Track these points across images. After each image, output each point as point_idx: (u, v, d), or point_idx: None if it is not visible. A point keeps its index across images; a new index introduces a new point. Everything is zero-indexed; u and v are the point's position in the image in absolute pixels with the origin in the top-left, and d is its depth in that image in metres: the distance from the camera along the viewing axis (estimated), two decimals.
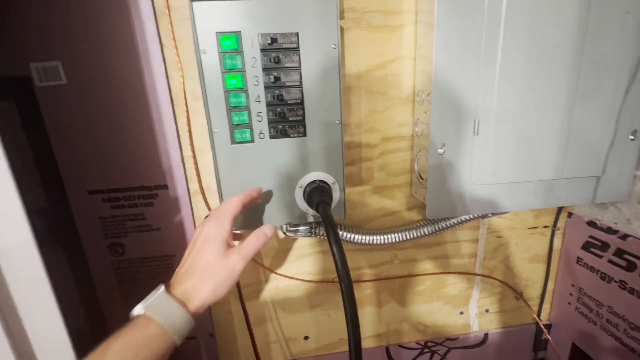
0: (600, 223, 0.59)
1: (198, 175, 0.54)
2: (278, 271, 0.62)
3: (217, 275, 0.36)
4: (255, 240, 0.39)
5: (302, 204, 0.49)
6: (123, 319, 0.60)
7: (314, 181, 0.48)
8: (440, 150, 0.49)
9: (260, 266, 0.61)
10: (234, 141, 0.46)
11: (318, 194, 0.46)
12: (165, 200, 0.55)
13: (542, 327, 0.72)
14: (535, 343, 0.75)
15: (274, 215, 0.50)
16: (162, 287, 0.36)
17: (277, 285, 0.63)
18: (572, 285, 0.67)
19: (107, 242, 0.57)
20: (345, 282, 0.37)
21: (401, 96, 0.55)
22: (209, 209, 0.56)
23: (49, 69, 0.48)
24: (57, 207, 0.54)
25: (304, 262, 0.62)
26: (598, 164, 0.52)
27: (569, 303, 0.68)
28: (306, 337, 0.68)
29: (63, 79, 0.48)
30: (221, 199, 0.49)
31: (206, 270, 0.36)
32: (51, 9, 0.45)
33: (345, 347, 0.68)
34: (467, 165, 0.50)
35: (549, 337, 0.72)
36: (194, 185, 0.55)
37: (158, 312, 0.33)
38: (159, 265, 0.59)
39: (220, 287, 0.36)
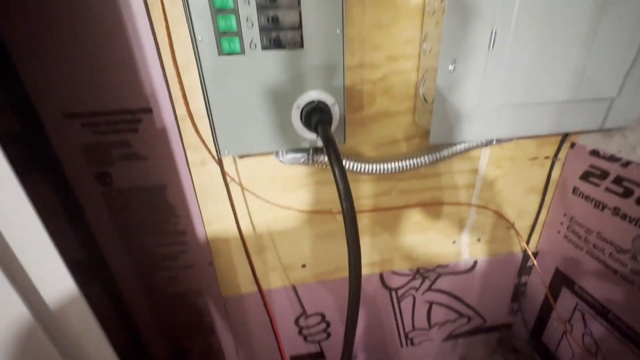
0: (603, 151, 0.58)
1: (184, 96, 0.49)
2: (275, 201, 0.61)
3: None
4: None
5: (299, 126, 0.46)
6: (118, 249, 0.59)
7: (313, 101, 0.44)
8: (450, 67, 0.44)
9: (257, 197, 0.60)
10: (221, 52, 0.41)
11: (317, 113, 0.42)
12: (150, 125, 0.51)
13: (530, 254, 0.75)
14: (521, 269, 0.79)
15: (268, 138, 0.47)
16: None
17: (275, 216, 0.63)
18: (564, 215, 0.68)
19: (94, 172, 0.54)
20: (346, 202, 0.36)
21: (409, 6, 0.49)
22: (200, 135, 0.53)
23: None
24: (32, 133, 0.50)
25: (301, 192, 0.61)
26: (615, 84, 0.49)
27: (558, 232, 0.70)
28: (303, 265, 0.69)
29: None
30: (212, 124, 0.46)
31: None
32: None
33: (341, 274, 0.71)
34: (478, 84, 0.46)
35: (534, 262, 0.76)
36: (180, 110, 0.51)
37: None
38: (151, 196, 0.57)
39: None
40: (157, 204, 0.58)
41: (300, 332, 0.79)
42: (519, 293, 0.83)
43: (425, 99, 0.51)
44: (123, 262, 0.63)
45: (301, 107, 0.45)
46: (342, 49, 0.43)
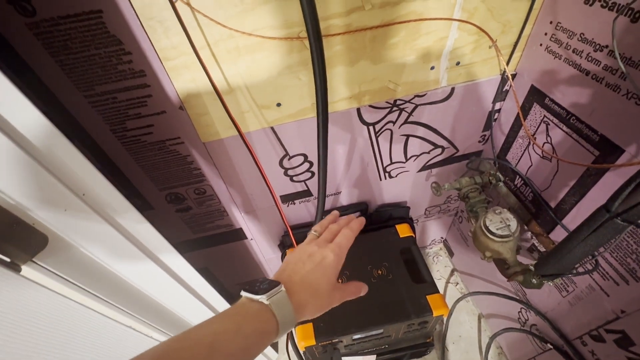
0: None
1: None
2: (234, 27, 0.54)
3: (323, 301, 0.37)
4: (354, 291, 0.42)
5: None
6: (77, 97, 0.54)
7: None
8: None
9: (213, 21, 0.53)
10: None
11: None
12: None
13: (509, 74, 0.74)
14: (497, 94, 0.79)
15: None
16: (282, 287, 0.34)
17: (237, 45, 0.57)
18: (550, 23, 0.64)
19: None
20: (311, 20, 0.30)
21: None
22: None
23: None
24: None
25: (263, 12, 0.54)
26: None
27: (540, 44, 0.67)
28: (278, 104, 0.68)
29: None
30: None
31: (318, 293, 0.37)
32: None
33: None
34: None
35: (512, 83, 0.75)
36: None
37: (280, 312, 0.33)
38: (87, 25, 0.49)
39: (317, 312, 0.37)
40: (99, 37, 0.51)
41: (285, 174, 0.84)
42: (491, 120, 0.86)
43: None
44: (89, 114, 0.60)
45: None
46: None
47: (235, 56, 0.58)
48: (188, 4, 0.50)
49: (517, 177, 0.83)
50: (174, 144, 0.69)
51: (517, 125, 0.79)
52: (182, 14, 0.50)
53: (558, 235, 0.73)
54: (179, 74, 0.58)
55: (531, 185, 0.78)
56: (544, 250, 0.78)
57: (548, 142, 0.71)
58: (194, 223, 0.90)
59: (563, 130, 0.66)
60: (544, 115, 0.70)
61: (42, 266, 0.43)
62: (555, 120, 0.67)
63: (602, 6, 0.53)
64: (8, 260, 0.39)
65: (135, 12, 0.49)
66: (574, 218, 0.68)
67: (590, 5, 0.55)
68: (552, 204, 0.73)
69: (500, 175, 0.86)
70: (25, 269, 0.41)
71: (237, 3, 0.51)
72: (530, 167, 0.78)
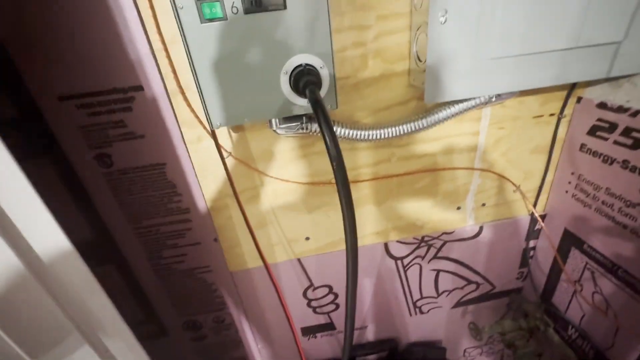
0: (611, 103, 0.56)
1: (174, 71, 0.49)
2: (273, 175, 0.61)
3: None
4: None
5: (289, 93, 0.45)
6: (126, 230, 0.60)
7: (300, 65, 0.43)
8: (442, 19, 0.42)
9: (255, 170, 0.60)
10: (203, 19, 0.40)
11: (305, 77, 0.42)
12: (143, 103, 0.51)
13: (537, 216, 0.74)
14: (529, 233, 0.78)
15: (259, 107, 0.46)
16: None
17: (274, 189, 0.63)
18: (572, 174, 0.66)
19: (93, 154, 0.55)
20: (336, 160, 0.35)
21: None
22: (192, 110, 0.53)
23: None
24: (30, 117, 0.51)
25: (300, 163, 0.61)
26: (620, 26, 0.46)
27: (566, 191, 0.68)
28: (307, 238, 0.70)
29: None
30: (201, 96, 0.45)
31: None
32: None
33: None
34: (472, 35, 0.44)
35: (542, 224, 0.74)
36: (171, 85, 0.51)
37: None
38: (151, 174, 0.58)
39: None
40: (159, 183, 0.59)
41: (309, 305, 0.80)
42: (527, 257, 0.82)
43: (418, 58, 0.49)
44: (132, 243, 0.65)
45: (289, 72, 0.44)
46: (327, 8, 0.41)
47: (272, 198, 0.64)
48: (236, 159, 0.58)
49: (570, 325, 0.73)
50: (203, 272, 0.70)
51: (557, 267, 0.75)
52: (230, 166, 0.58)
53: None
54: (219, 212, 0.64)
55: (590, 340, 0.67)
56: None
57: (598, 293, 0.64)
58: (206, 354, 0.84)
59: (613, 283, 0.60)
60: (586, 262, 0.66)
61: None
62: (601, 270, 0.63)
63: (622, 167, 0.55)
64: None
65: (193, 166, 0.57)
66: None
67: (610, 164, 0.57)
68: None
69: (548, 320, 0.77)
70: None
71: (277, 159, 0.59)
72: (583, 317, 0.69)
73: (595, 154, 0.60)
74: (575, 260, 0.68)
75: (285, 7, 0.41)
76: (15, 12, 0.43)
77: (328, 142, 0.35)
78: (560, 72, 0.48)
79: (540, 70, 0.48)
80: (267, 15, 0.41)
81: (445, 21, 0.42)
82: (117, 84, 0.50)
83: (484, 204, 0.73)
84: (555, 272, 0.75)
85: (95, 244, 0.64)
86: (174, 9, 0.39)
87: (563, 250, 0.71)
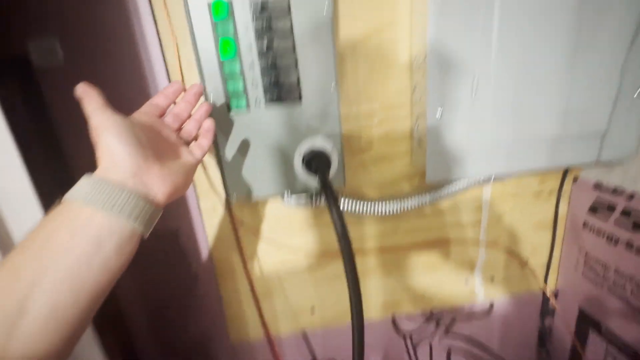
0: (607, 184, 0.58)
1: None
2: (282, 243, 0.63)
3: None
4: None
5: (301, 172, 0.49)
6: (132, 298, 0.60)
7: (312, 147, 0.48)
8: (438, 114, 0.48)
9: (264, 239, 0.62)
10: (229, 109, 0.46)
11: (316, 160, 0.46)
12: None
13: (549, 294, 0.72)
14: (542, 310, 0.75)
15: (273, 183, 0.50)
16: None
17: (282, 259, 0.64)
18: (579, 251, 0.66)
19: None
20: (345, 247, 0.38)
21: (399, 62, 0.54)
22: (210, 183, 0.57)
23: (47, 49, 0.49)
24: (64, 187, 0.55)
25: (308, 234, 0.63)
26: (602, 117, 0.51)
27: (576, 269, 0.67)
28: (313, 309, 0.69)
29: (61, 58, 0.49)
30: (222, 173, 0.50)
31: None
32: None
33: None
34: (465, 127, 0.49)
35: (555, 305, 0.72)
36: None
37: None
38: (164, 242, 0.60)
39: None
40: (170, 250, 0.61)
41: None
42: (545, 337, 0.77)
43: (420, 142, 0.54)
44: (137, 312, 0.65)
45: (302, 153, 0.49)
46: (337, 101, 0.47)
47: (279, 267, 0.64)
48: (248, 228, 0.61)
49: None
50: (206, 341, 0.68)
51: (576, 350, 0.70)
52: (240, 234, 0.61)
53: None
54: (226, 281, 0.64)
55: None
56: None
57: None
58: None
59: None
60: (606, 347, 0.62)
61: None
62: (623, 358, 0.59)
63: (626, 248, 0.56)
64: None
65: (205, 234, 0.60)
66: None
67: (615, 245, 0.58)
68: None
69: None
70: None
71: (287, 229, 0.62)
72: None
73: (599, 232, 0.61)
74: (596, 345, 0.64)
75: (300, 99, 0.47)
76: (61, 90, 0.51)
77: (336, 222, 0.37)
78: (552, 157, 0.52)
79: (533, 154, 0.52)
80: (285, 106, 0.47)
81: (441, 116, 0.48)
82: None
83: (492, 278, 0.72)
84: (575, 355, 0.70)
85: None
86: (207, 100, 0.46)
87: (581, 332, 0.68)
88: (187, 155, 0.38)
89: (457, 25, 0.44)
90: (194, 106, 0.41)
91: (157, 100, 0.38)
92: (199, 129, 0.41)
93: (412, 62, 0.53)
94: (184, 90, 0.42)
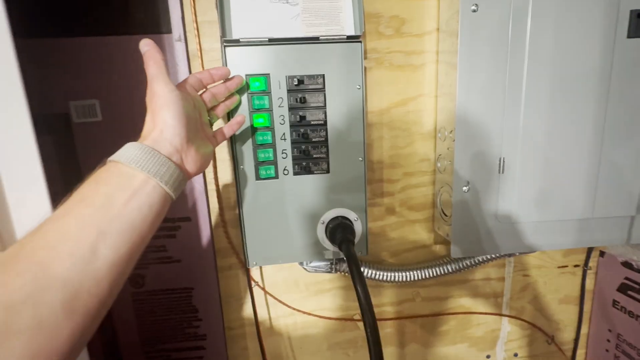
0: (637, 264, 0.56)
1: (221, 209, 0.55)
2: (296, 307, 0.61)
3: None
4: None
5: (324, 240, 0.49)
6: (138, 352, 0.59)
7: (336, 217, 0.48)
8: (465, 189, 0.48)
9: (279, 302, 0.60)
10: (258, 177, 0.47)
11: (341, 231, 0.46)
12: (187, 232, 0.56)
13: None
14: None
15: (295, 251, 0.50)
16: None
17: (296, 321, 0.61)
18: (609, 331, 0.62)
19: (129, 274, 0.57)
20: (370, 326, 0.36)
21: (422, 132, 0.55)
22: (230, 242, 0.56)
23: (87, 106, 0.51)
24: None
25: (323, 297, 0.61)
26: (631, 203, 0.50)
27: (607, 350, 0.63)
28: None
29: (99, 116, 0.51)
30: (243, 233, 0.50)
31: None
32: (92, 53, 0.49)
33: None
34: (492, 204, 0.49)
35: None
36: (215, 218, 0.56)
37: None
38: (178, 297, 0.59)
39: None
40: (182, 307, 0.59)
41: None
42: None
43: (443, 212, 0.54)
44: None
45: (326, 222, 0.48)
46: (364, 174, 0.48)
47: (292, 330, 0.62)
48: (263, 289, 0.59)
49: None
50: None
51: None
52: (255, 295, 0.59)
53: None
54: (235, 342, 0.61)
55: None
56: None
57: None
58: None
59: None
60: None
61: None
62: None
63: None
64: None
65: (219, 292, 0.58)
66: None
67: None
68: None
69: None
70: None
71: (302, 292, 0.60)
72: None
73: (631, 314, 0.58)
74: None
75: (328, 172, 0.47)
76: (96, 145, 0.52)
77: (360, 296, 0.36)
78: (580, 238, 0.51)
79: (560, 234, 0.51)
80: (312, 177, 0.47)
81: (468, 190, 0.48)
82: (169, 215, 0.55)
83: (516, 354, 0.67)
84: None
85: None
86: (236, 168, 0.46)
87: None
88: (212, 139, 0.40)
89: (485, 100, 0.46)
90: (230, 93, 0.43)
91: (202, 77, 0.40)
92: (225, 97, 0.43)
93: (437, 133, 0.54)
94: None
